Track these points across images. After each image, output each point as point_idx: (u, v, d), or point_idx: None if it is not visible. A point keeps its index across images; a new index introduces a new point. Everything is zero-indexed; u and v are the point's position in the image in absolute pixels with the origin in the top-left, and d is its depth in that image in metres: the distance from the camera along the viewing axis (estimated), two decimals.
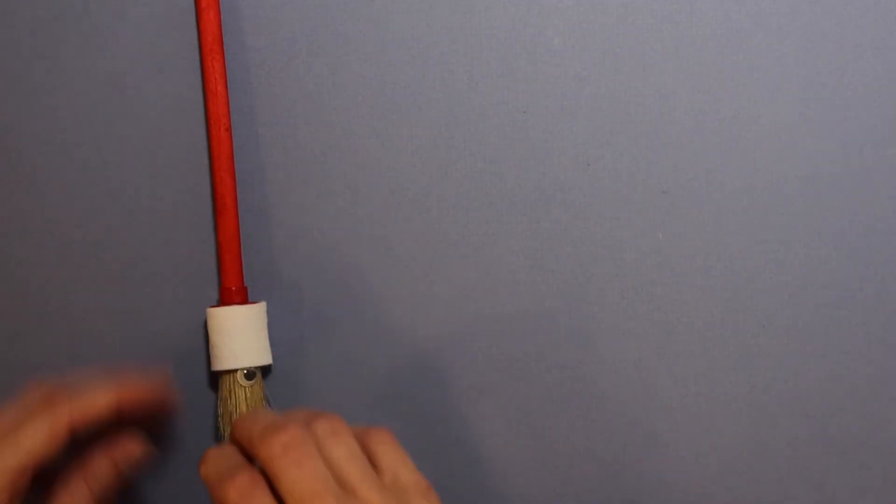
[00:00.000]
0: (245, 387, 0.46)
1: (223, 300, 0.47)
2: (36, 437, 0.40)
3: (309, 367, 0.48)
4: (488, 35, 0.47)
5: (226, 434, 0.46)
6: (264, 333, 0.47)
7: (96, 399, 0.42)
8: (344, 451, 0.39)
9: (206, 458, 0.41)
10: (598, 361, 0.47)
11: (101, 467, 0.44)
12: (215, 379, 0.48)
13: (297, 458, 0.37)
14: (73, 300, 0.49)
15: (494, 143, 0.47)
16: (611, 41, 0.46)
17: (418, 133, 0.47)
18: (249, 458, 0.40)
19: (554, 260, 0.47)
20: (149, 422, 0.45)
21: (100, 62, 0.49)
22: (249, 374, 0.46)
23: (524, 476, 0.47)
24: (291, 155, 0.48)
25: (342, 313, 0.48)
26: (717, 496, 0.46)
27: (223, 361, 0.46)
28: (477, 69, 0.47)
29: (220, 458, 0.41)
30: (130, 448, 0.45)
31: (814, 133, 0.46)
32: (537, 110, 0.47)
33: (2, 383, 0.49)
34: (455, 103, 0.47)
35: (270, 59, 0.48)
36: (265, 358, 0.47)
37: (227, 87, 0.47)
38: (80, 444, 0.43)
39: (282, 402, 0.48)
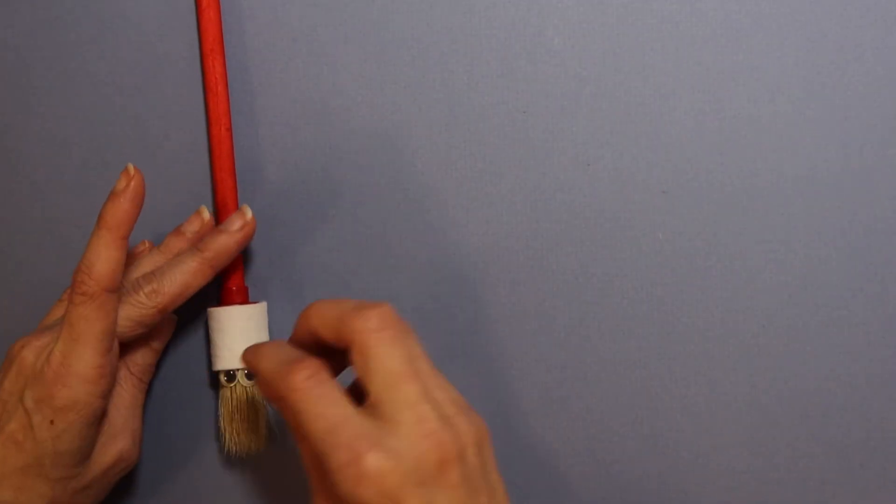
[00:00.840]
0: (246, 387, 0.46)
1: (224, 300, 0.47)
2: (186, 270, 0.44)
3: None
4: (488, 35, 0.47)
5: (227, 434, 0.46)
6: (265, 333, 0.47)
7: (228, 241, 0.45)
8: (419, 348, 0.38)
9: (260, 353, 0.40)
10: (598, 361, 0.47)
11: (138, 350, 0.46)
12: (215, 379, 0.48)
13: (393, 335, 0.37)
14: None
15: (494, 143, 0.47)
16: (611, 41, 0.46)
17: (418, 133, 0.47)
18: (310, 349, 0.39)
19: (554, 260, 0.47)
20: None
21: (100, 62, 0.49)
22: (250, 374, 0.46)
23: (525, 476, 0.47)
24: (291, 155, 0.48)
25: None
26: (717, 496, 0.46)
27: (224, 361, 0.46)
28: (477, 69, 0.47)
29: (276, 351, 0.40)
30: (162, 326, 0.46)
31: (814, 133, 0.46)
32: (537, 110, 0.47)
33: None
34: (455, 103, 0.47)
35: (271, 59, 0.48)
36: None
37: (227, 87, 0.47)
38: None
39: None
